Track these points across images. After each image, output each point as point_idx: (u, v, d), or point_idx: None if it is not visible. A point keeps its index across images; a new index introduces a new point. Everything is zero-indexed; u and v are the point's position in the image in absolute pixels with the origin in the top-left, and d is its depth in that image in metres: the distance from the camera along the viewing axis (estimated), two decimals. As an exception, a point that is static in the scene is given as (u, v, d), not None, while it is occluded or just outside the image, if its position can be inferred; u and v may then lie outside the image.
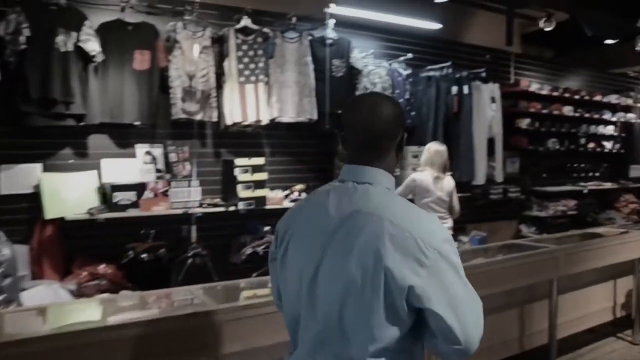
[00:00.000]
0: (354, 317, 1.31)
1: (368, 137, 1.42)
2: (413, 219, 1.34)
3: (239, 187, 4.54)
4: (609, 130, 7.92)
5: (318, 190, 1.51)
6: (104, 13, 4.18)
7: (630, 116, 8.35)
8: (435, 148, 4.54)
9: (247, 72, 4.58)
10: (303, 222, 1.46)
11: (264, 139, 5.03)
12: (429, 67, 5.77)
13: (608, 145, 7.94)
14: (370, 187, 1.40)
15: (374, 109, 1.42)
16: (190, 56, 4.37)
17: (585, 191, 7.39)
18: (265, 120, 4.64)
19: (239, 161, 4.59)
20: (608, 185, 7.87)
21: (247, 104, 4.58)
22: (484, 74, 6.00)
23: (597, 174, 7.93)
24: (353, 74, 5.05)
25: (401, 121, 1.48)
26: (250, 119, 4.58)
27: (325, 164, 5.27)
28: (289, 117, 4.74)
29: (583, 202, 7.36)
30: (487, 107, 6.01)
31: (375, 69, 5.24)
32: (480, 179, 5.93)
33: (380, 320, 1.29)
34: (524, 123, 6.55)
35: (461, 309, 1.30)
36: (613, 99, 7.91)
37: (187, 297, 2.80)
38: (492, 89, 6.08)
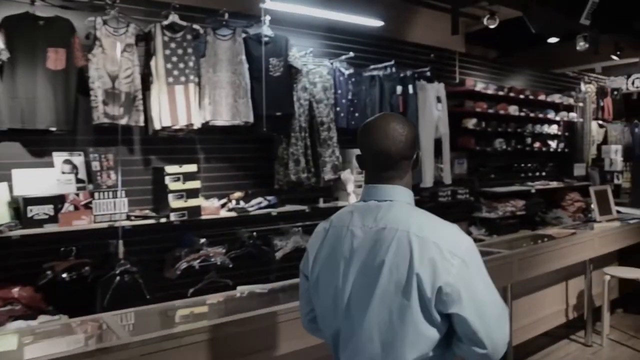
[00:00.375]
0: (391, 329, 1.39)
1: (388, 159, 1.50)
2: (437, 230, 1.44)
3: (170, 196, 4.18)
4: (553, 129, 7.94)
5: (341, 212, 1.62)
6: (9, 5, 3.74)
7: (573, 115, 8.40)
8: None
9: (176, 72, 4.22)
10: (329, 246, 1.55)
11: (197, 144, 4.68)
12: (372, 66, 5.55)
13: (553, 144, 7.95)
14: (393, 204, 1.50)
15: (392, 132, 1.50)
16: (112, 55, 3.98)
17: (532, 191, 7.34)
18: (197, 124, 4.29)
19: (169, 169, 4.22)
20: (554, 184, 7.87)
21: (176, 106, 4.22)
22: (428, 73, 5.84)
23: (543, 174, 7.92)
24: (292, 73, 4.76)
25: (416, 141, 1.60)
26: (181, 122, 4.22)
27: (265, 169, 4.96)
28: (223, 120, 4.40)
29: (531, 202, 7.31)
30: (433, 107, 5.84)
31: (316, 68, 4.98)
32: (428, 181, 5.76)
33: (416, 328, 1.37)
34: (471, 123, 6.43)
35: (487, 314, 1.39)
36: (556, 98, 7.93)
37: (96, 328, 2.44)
38: (437, 89, 5.93)
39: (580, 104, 8.56)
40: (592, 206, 5.05)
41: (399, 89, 5.51)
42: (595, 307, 4.96)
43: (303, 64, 4.88)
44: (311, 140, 4.92)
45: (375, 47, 5.77)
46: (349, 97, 5.24)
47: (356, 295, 1.46)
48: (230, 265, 4.47)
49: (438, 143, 5.96)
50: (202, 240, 4.41)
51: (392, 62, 5.52)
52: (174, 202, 4.16)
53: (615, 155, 9.47)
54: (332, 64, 5.14)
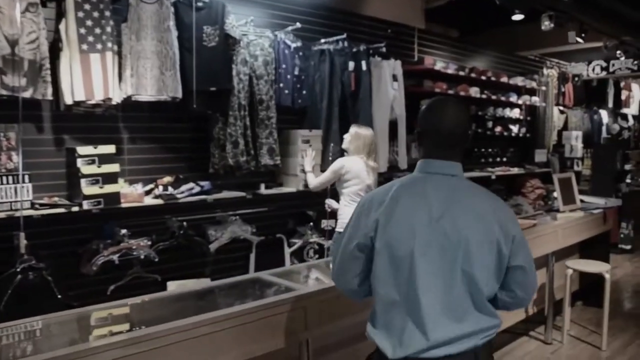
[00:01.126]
0: (479, 275, 1.64)
1: (454, 138, 1.72)
2: (497, 201, 1.76)
3: (83, 182, 3.63)
4: (515, 113, 7.62)
5: (404, 181, 1.76)
6: None
7: (535, 99, 8.11)
8: (368, 134, 4.23)
9: (91, 39, 3.65)
10: (403, 213, 1.67)
11: (120, 122, 4.13)
12: (323, 40, 5.06)
13: (514, 129, 7.64)
14: (459, 179, 1.73)
15: (461, 115, 1.75)
16: (10, 15, 3.38)
17: (493, 177, 7.03)
18: (116, 99, 3.75)
19: (82, 150, 3.67)
20: (515, 170, 7.58)
21: (92, 78, 3.66)
22: (384, 49, 5.39)
23: (504, 159, 7.62)
24: (229, 44, 4.24)
25: (471, 124, 1.98)
26: (97, 96, 3.67)
27: (201, 151, 4.44)
28: (147, 94, 3.86)
29: (491, 189, 6.96)
30: (388, 86, 5.40)
31: (257, 39, 4.46)
32: (382, 166, 5.32)
33: (493, 284, 1.69)
34: (429, 105, 6.01)
35: (532, 270, 1.76)
36: (519, 81, 7.61)
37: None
38: (393, 66, 5.48)
39: (543, 88, 8.28)
40: (555, 195, 4.71)
41: (351, 64, 5.04)
42: (555, 300, 4.65)
43: (243, 34, 4.36)
44: (251, 120, 4.42)
45: (326, 19, 5.27)
46: (296, 72, 4.75)
47: (437, 257, 1.63)
48: (156, 259, 3.96)
49: (393, 125, 5.53)
50: (123, 232, 3.89)
51: (344, 36, 5.04)
52: (87, 189, 3.61)
53: (575, 141, 9.29)
54: (275, 35, 4.63)
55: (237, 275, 4.85)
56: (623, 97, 11.23)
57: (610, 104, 10.69)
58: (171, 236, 4.21)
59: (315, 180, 4.35)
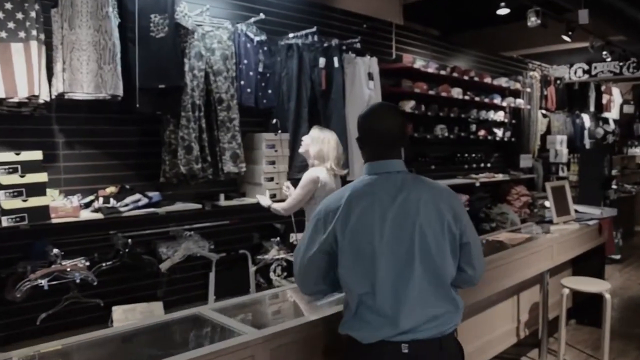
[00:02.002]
0: (435, 268, 1.80)
1: (392, 138, 1.91)
2: (442, 187, 1.92)
3: (1, 194, 3.07)
4: (500, 116, 7.20)
5: (356, 185, 1.89)
6: None
7: (520, 102, 7.70)
8: (333, 137, 3.63)
9: (11, 25, 3.11)
10: (360, 213, 1.80)
11: (54, 125, 3.58)
12: (292, 34, 4.56)
13: (499, 132, 7.22)
14: (404, 174, 1.90)
15: (393, 115, 1.96)
16: None
17: (477, 184, 6.59)
18: (44, 96, 3.21)
19: (1, 156, 3.12)
20: (500, 177, 7.16)
21: (14, 72, 3.12)
22: (358, 45, 4.90)
23: (488, 165, 7.18)
24: (180, 35, 3.72)
25: (406, 124, 2.29)
26: (21, 94, 3.13)
27: (150, 157, 3.90)
28: (83, 92, 3.31)
29: (475, 197, 6.56)
30: (363, 85, 4.92)
31: (214, 30, 3.95)
32: (355, 172, 4.84)
33: (450, 262, 1.85)
34: (409, 106, 5.56)
35: (478, 247, 1.95)
36: (503, 82, 7.19)
37: None
38: (369, 64, 5.01)
39: (528, 90, 7.88)
40: (548, 204, 4.26)
41: (321, 61, 4.55)
42: (548, 320, 4.19)
43: (197, 24, 3.84)
44: (207, 122, 3.90)
45: (294, 11, 4.77)
46: (260, 69, 4.25)
47: (396, 247, 1.78)
48: (95, 283, 3.41)
49: (370, 128, 5.04)
50: (55, 251, 3.33)
51: (314, 29, 4.55)
52: (6, 202, 3.06)
53: (560, 146, 8.95)
54: (236, 27, 4.12)
55: (195, 296, 4.38)
56: (604, 101, 11.01)
57: (592, 108, 10.44)
58: (115, 255, 3.67)
59: (284, 205, 3.69)
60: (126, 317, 3.73)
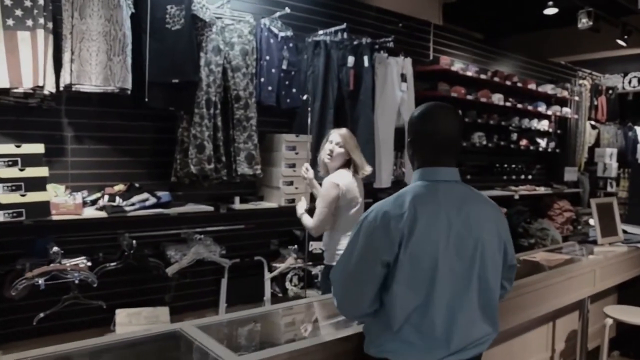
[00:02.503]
0: (489, 288, 1.71)
1: (451, 144, 1.73)
2: (496, 207, 1.83)
3: None
4: (544, 125, 6.77)
5: (416, 193, 1.67)
6: None
7: (566, 111, 7.24)
8: (352, 136, 3.17)
9: (18, 13, 2.97)
10: (424, 225, 1.61)
11: (64, 118, 3.43)
12: (321, 31, 4.31)
13: (542, 143, 6.78)
14: (461, 185, 1.76)
15: (454, 119, 1.76)
16: None
17: (516, 197, 6.18)
18: (49, 87, 3.05)
19: (1, 148, 2.98)
20: (541, 190, 6.72)
21: (19, 61, 2.98)
22: (391, 44, 4.61)
23: (529, 177, 6.75)
24: (197, 27, 3.52)
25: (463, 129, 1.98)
26: (26, 84, 2.99)
27: (163, 155, 3.72)
28: (92, 84, 3.15)
29: (513, 210, 6.16)
30: (395, 87, 4.63)
31: (234, 24, 3.73)
32: (384, 180, 4.56)
33: (499, 279, 1.79)
34: (444, 111, 5.21)
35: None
36: (548, 89, 6.75)
37: None
38: (402, 65, 4.72)
39: (576, 98, 7.40)
40: (592, 222, 3.87)
41: (350, 60, 4.28)
42: (588, 350, 3.79)
43: (217, 17, 3.64)
44: (223, 120, 3.69)
45: (324, 7, 4.52)
46: (284, 66, 4.02)
47: (457, 263, 1.65)
48: (95, 284, 3.23)
49: (400, 133, 4.75)
50: (55, 249, 3.18)
51: (344, 26, 4.29)
52: (3, 196, 2.91)
53: (610, 159, 8.39)
54: (259, 21, 3.90)
55: (205, 303, 4.17)
56: (661, 112, 10.33)
57: (646, 120, 9.81)
58: (120, 256, 3.49)
59: (311, 224, 3.12)
60: (130, 320, 3.55)
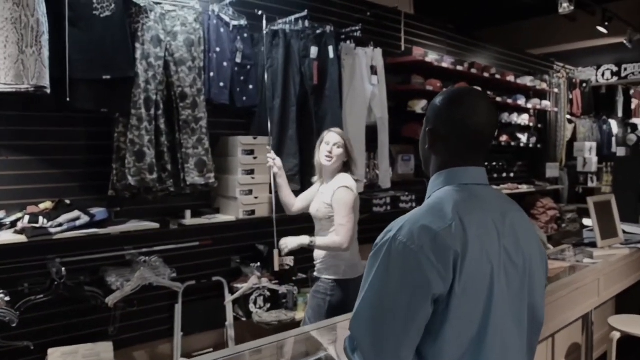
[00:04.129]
0: (540, 306, 1.36)
1: (484, 139, 1.36)
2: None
3: None
4: (524, 119, 6.40)
5: (456, 200, 1.27)
6: None
7: (546, 104, 6.89)
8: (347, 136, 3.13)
9: None
10: (478, 235, 1.23)
11: (-28, 124, 2.89)
12: (280, 20, 3.83)
13: (523, 138, 6.40)
14: (493, 189, 1.40)
15: (490, 109, 1.37)
16: None
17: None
18: (-53, 87, 2.52)
19: None
20: (524, 188, 6.34)
21: None
22: (358, 33, 4.15)
23: (511, 174, 6.37)
24: (131, 14, 3.02)
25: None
26: None
27: (101, 165, 3.19)
28: (1, 83, 2.62)
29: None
30: (365, 80, 4.18)
31: (177, 10, 3.23)
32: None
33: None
34: (420, 106, 4.78)
35: None
36: (527, 81, 6.38)
37: None
38: (372, 56, 4.27)
39: (555, 90, 7.06)
40: (589, 223, 3.47)
41: (313, 50, 3.81)
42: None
43: (155, 2, 3.14)
44: (167, 122, 3.18)
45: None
46: (238, 59, 3.53)
47: (509, 286, 1.26)
48: (14, 324, 2.70)
49: (372, 131, 4.30)
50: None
51: (305, 13, 3.82)
52: None
53: (589, 154, 8.14)
54: (208, 8, 3.41)
55: (157, 333, 3.61)
56: (633, 105, 10.22)
57: (620, 113, 9.68)
58: (50, 286, 2.96)
59: (341, 239, 2.86)
60: (65, 361, 3.03)
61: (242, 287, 3.59)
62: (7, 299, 2.77)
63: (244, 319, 3.73)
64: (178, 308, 3.51)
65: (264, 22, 3.62)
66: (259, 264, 3.68)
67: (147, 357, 3.49)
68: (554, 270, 2.94)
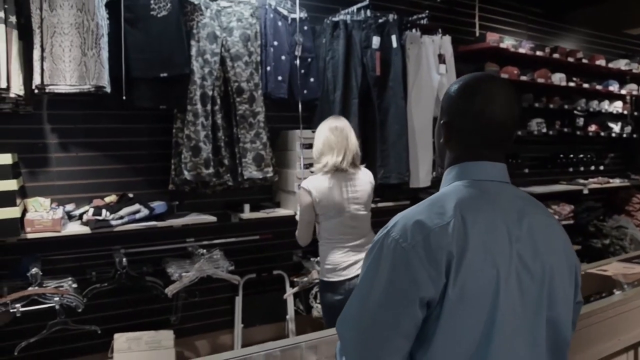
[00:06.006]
0: (564, 321, 1.21)
1: (504, 132, 1.22)
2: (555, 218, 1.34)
3: (-41, 205, 2.60)
4: (617, 107, 5.88)
5: (460, 198, 1.15)
6: None
7: (644, 89, 6.30)
8: (335, 125, 2.65)
9: (-23, 6, 2.63)
10: (479, 246, 1.09)
11: (46, 124, 3.09)
12: (343, 11, 3.76)
13: (616, 127, 5.90)
14: (513, 187, 1.25)
15: (511, 98, 1.21)
16: None
17: (585, 191, 5.37)
18: (16, 89, 2.70)
19: (-38, 160, 2.65)
20: (616, 182, 5.84)
21: (-17, 60, 2.64)
22: (425, 20, 3.98)
23: (601, 168, 5.88)
24: (186, 12, 3.08)
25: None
26: (-8, 85, 2.65)
27: (159, 160, 3.30)
28: (67, 84, 2.77)
29: (582, 207, 5.36)
30: (432, 70, 4.01)
31: (232, 6, 3.25)
32: (421, 179, 3.95)
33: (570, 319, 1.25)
34: (494, 96, 4.53)
35: None
36: (622, 64, 5.86)
37: None
38: (440, 44, 4.08)
39: (655, 74, 6.43)
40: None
41: (375, 40, 3.70)
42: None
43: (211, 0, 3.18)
44: (224, 117, 3.23)
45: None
46: (297, 52, 3.50)
47: (520, 296, 1.12)
48: (79, 309, 2.86)
49: (440, 123, 4.12)
50: (33, 271, 2.82)
51: (367, 2, 3.71)
52: (-36, 214, 2.58)
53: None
54: (262, 1, 3.40)
55: (218, 324, 3.68)
56: None
57: None
58: (114, 275, 3.11)
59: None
60: (129, 346, 3.19)
61: (303, 281, 3.60)
62: (75, 285, 2.94)
63: (304, 314, 3.73)
64: (238, 300, 3.58)
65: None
66: (319, 258, 3.65)
67: (207, 347, 3.59)
68: (634, 276, 2.65)
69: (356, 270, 2.64)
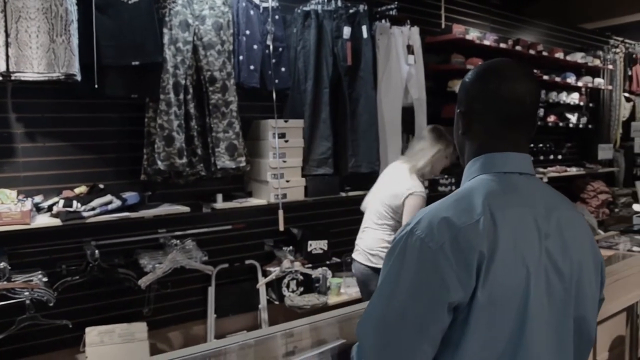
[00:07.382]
0: (591, 320, 1.18)
1: (527, 120, 1.17)
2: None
3: None
4: (574, 98, 6.10)
5: (488, 191, 1.09)
6: None
7: (599, 81, 6.55)
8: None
9: (-62, -12, 2.51)
10: (512, 234, 1.05)
11: (11, 113, 2.98)
12: (312, 0, 3.76)
13: (572, 118, 6.12)
14: (539, 180, 1.20)
15: (532, 83, 1.17)
16: None
17: (545, 180, 5.56)
18: (-17, 76, 2.60)
19: None
20: (573, 170, 6.07)
21: (-55, 45, 2.53)
22: (394, 11, 4.03)
23: (559, 157, 6.10)
24: (159, 0, 3.02)
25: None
26: (-46, 73, 2.54)
27: (130, 150, 3.25)
28: (34, 71, 2.68)
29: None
30: (401, 60, 4.07)
31: (205, -6, 3.22)
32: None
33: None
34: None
35: None
36: (578, 57, 6.07)
37: None
38: (408, 35, 4.14)
39: (610, 67, 6.69)
40: (638, 208, 3.27)
41: (346, 31, 3.73)
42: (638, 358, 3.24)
43: (183, -13, 3.13)
44: (197, 106, 3.20)
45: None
46: (268, 42, 3.49)
47: (548, 302, 1.08)
48: (51, 304, 2.80)
49: (409, 112, 4.19)
50: (1, 265, 2.74)
51: (338, -8, 3.73)
52: None
53: (648, 134, 7.68)
54: (236, -11, 3.38)
55: (190, 314, 3.66)
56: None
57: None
58: (85, 267, 3.05)
59: None
60: (102, 340, 3.13)
61: (275, 270, 3.61)
62: (45, 279, 2.87)
63: (276, 303, 3.75)
64: (211, 290, 3.56)
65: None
66: (291, 247, 3.68)
67: (180, 338, 3.56)
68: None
69: None
